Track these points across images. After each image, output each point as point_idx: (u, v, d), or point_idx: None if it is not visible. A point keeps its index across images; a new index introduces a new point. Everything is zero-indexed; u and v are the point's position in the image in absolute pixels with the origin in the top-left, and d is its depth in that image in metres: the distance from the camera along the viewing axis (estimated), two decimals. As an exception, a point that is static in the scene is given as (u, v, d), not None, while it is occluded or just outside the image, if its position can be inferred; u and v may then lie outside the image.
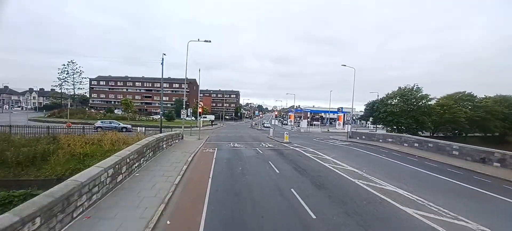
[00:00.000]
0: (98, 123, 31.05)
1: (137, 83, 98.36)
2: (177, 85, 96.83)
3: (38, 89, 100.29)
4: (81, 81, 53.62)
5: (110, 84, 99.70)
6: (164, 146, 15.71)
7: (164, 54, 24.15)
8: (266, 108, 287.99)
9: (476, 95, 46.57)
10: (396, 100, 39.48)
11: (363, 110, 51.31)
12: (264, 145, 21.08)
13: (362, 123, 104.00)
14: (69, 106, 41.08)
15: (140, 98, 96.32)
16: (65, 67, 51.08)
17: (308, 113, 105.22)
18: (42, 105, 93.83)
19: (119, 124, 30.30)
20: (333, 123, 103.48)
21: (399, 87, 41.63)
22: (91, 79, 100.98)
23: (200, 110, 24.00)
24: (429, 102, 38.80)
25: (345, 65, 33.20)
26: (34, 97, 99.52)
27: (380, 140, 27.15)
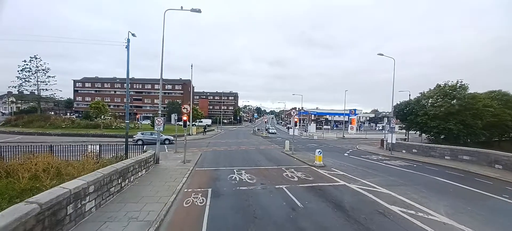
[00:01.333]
0: (138, 135, 27.19)
1: (126, 85, 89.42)
2: (169, 86, 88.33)
3: (17, 92, 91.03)
4: (47, 81, 44.70)
5: (96, 86, 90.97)
6: (114, 188, 7.51)
7: (133, 35, 16.11)
8: (265, 110, 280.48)
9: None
10: (439, 101, 31.46)
11: (388, 112, 43.31)
12: (289, 174, 12.81)
13: (372, 126, 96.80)
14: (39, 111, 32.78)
15: (129, 101, 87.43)
16: (26, 64, 42.31)
17: (312, 115, 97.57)
18: (20, 110, 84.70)
19: (161, 136, 23.30)
20: (339, 126, 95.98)
21: (438, 85, 33.77)
22: (75, 81, 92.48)
23: (184, 118, 15.62)
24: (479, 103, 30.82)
25: (382, 55, 25.28)
26: (12, 101, 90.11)
27: (447, 157, 19.11)
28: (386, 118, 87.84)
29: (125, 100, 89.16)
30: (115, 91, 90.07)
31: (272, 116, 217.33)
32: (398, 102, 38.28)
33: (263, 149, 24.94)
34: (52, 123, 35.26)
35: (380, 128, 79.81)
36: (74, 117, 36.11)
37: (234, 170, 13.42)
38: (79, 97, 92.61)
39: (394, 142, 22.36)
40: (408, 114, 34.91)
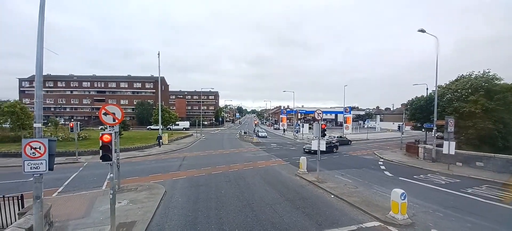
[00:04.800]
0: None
1: (84, 84, 75.73)
2: (139, 84, 76.36)
3: None
4: None
5: (47, 85, 75.47)
6: None
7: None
8: (246, 109, 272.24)
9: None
10: (470, 96, 25.81)
11: (371, 109, 37.67)
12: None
13: (360, 123, 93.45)
14: None
15: (89, 102, 74.06)
16: None
17: (299, 114, 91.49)
18: None
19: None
20: (328, 124, 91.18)
21: (462, 76, 28.39)
22: (21, 80, 76.23)
23: (106, 137, 6.92)
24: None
25: (424, 31, 18.54)
26: None
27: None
28: (378, 115, 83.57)
29: (84, 101, 74.86)
30: (71, 91, 75.74)
31: (254, 115, 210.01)
32: (413, 98, 32.60)
33: (265, 169, 16.86)
34: None
35: (371, 125, 76.17)
36: (8, 125, 24.99)
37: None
38: (26, 99, 76.53)
39: (453, 152, 15.62)
40: (423, 111, 29.17)
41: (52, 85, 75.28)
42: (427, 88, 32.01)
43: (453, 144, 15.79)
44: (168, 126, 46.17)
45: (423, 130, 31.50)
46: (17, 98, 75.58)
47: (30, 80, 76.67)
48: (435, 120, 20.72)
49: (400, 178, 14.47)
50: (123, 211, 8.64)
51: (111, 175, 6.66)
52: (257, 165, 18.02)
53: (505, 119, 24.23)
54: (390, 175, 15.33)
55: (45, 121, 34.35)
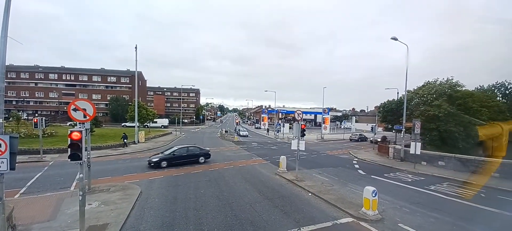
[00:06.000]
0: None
1: (51, 75, 69.79)
2: (113, 78, 72.22)
3: None
4: None
5: (9, 76, 67.99)
6: None
7: None
8: (227, 108, 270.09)
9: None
10: (434, 101, 28.20)
11: (347, 111, 39.86)
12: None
13: (337, 124, 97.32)
14: None
15: (57, 96, 68.42)
16: None
17: (280, 114, 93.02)
18: None
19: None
20: (307, 124, 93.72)
21: (428, 82, 30.92)
22: (-26, 69, 68.12)
23: (75, 136, 6.49)
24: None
25: (396, 39, 19.83)
26: None
27: (496, 174, 14.35)
28: (353, 117, 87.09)
29: (51, 95, 69.32)
30: (36, 84, 69.43)
31: (236, 113, 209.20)
32: (385, 102, 34.73)
33: (245, 168, 16.93)
34: None
35: (348, 126, 79.73)
36: None
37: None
38: (-19, 91, 68.67)
39: (418, 152, 16.94)
40: (394, 114, 31.31)
41: (14, 76, 68.30)
42: (398, 93, 34.36)
43: (419, 144, 17.14)
44: (145, 123, 44.26)
45: (393, 131, 33.72)
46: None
47: (-14, 69, 68.91)
48: (404, 122, 22.31)
49: (372, 176, 15.38)
50: (94, 213, 8.18)
51: (81, 175, 6.27)
52: (237, 164, 18.02)
53: (465, 122, 26.80)
54: (363, 173, 16.22)
55: (6, 115, 30.97)
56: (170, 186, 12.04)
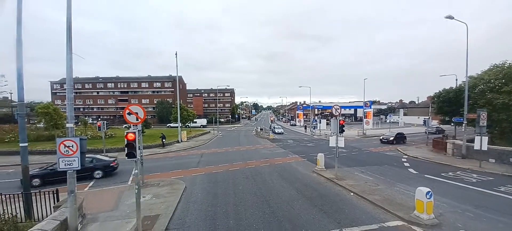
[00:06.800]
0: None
1: (109, 85, 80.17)
2: (158, 84, 79.32)
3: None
4: None
5: (76, 87, 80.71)
6: None
7: None
8: (262, 106, 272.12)
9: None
10: (508, 86, 23.66)
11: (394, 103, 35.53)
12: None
13: (381, 118, 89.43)
14: None
15: (114, 102, 78.45)
16: None
17: (316, 110, 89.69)
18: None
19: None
20: (346, 119, 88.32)
21: (496, 65, 26.08)
22: (53, 83, 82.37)
23: (131, 134, 7.21)
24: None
25: (452, 17, 17.24)
26: (-21, 108, 79.93)
27: None
28: (401, 109, 79.50)
29: (109, 101, 79.37)
30: (97, 92, 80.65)
31: (270, 111, 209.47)
32: (441, 90, 30.47)
33: (281, 166, 16.84)
34: (-6, 136, 26.72)
35: (394, 120, 72.64)
36: (42, 124, 27.47)
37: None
38: (58, 101, 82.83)
39: (485, 148, 14.47)
40: (453, 104, 27.13)
41: (80, 87, 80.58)
42: (456, 79, 29.87)
43: (485, 138, 14.64)
44: (186, 124, 47.61)
45: (452, 124, 29.45)
46: (50, 99, 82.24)
47: (61, 83, 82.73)
48: (465, 113, 19.27)
49: (425, 175, 13.71)
50: (148, 205, 9.12)
51: (136, 171, 7.05)
52: (273, 162, 18.04)
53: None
54: (415, 172, 14.57)
55: (76, 121, 36.96)
56: (211, 182, 12.69)
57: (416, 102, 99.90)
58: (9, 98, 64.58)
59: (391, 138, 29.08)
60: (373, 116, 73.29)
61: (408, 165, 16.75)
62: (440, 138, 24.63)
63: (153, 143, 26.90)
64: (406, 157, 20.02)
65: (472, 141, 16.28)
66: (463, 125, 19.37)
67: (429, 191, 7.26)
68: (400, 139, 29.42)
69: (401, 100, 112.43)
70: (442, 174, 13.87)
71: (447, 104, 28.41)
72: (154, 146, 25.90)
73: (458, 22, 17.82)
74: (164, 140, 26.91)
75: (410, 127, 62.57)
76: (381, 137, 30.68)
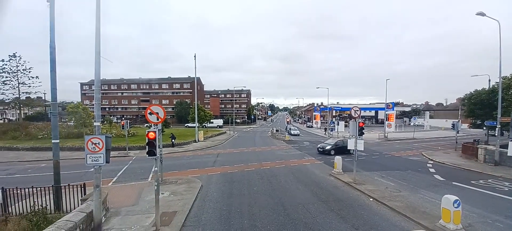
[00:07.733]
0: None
1: (132, 86, 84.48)
2: (178, 85, 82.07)
3: (24, 98, 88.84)
4: (29, 83, 39.64)
5: (103, 88, 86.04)
6: None
7: None
8: (278, 107, 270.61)
9: None
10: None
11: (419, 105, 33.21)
12: None
13: (405, 121, 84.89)
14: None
15: (136, 102, 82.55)
16: (5, 64, 36.57)
17: (334, 111, 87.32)
18: (27, 116, 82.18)
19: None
20: (367, 122, 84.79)
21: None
22: (82, 84, 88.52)
23: (151, 132, 7.47)
24: None
25: (484, 14, 15.94)
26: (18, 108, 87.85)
27: None
28: (427, 112, 75.19)
29: (132, 102, 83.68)
30: (122, 93, 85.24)
31: (286, 112, 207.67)
32: (472, 92, 28.27)
33: (297, 168, 16.62)
34: (29, 133, 29.26)
35: (419, 123, 68.56)
36: (72, 122, 29.86)
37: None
38: (87, 101, 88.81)
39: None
40: (485, 107, 25.00)
41: (106, 88, 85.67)
42: (489, 80, 27.56)
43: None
44: (204, 124, 48.75)
45: (484, 128, 27.21)
46: (79, 99, 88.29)
47: (90, 84, 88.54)
48: (499, 117, 17.71)
49: (453, 183, 12.79)
50: (166, 202, 9.45)
51: (156, 168, 7.34)
52: (289, 163, 17.85)
53: None
54: (441, 179, 13.65)
55: (102, 120, 39.47)
56: (226, 181, 12.86)
57: (444, 105, 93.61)
58: (43, 98, 70.07)
59: (328, 147, 22.43)
60: (396, 118, 69.68)
61: (434, 171, 15.73)
62: (470, 142, 22.81)
63: (165, 142, 27.68)
64: (432, 162, 18.83)
65: (506, 146, 14.89)
66: (497, 129, 17.80)
67: (457, 200, 6.76)
68: (339, 151, 21.23)
69: (427, 102, 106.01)
70: (472, 182, 12.85)
71: (479, 107, 26.31)
72: (170, 145, 26.72)
73: (490, 19, 16.41)
74: (173, 140, 26.93)
75: (437, 130, 58.78)
76: (318, 146, 24.00)
